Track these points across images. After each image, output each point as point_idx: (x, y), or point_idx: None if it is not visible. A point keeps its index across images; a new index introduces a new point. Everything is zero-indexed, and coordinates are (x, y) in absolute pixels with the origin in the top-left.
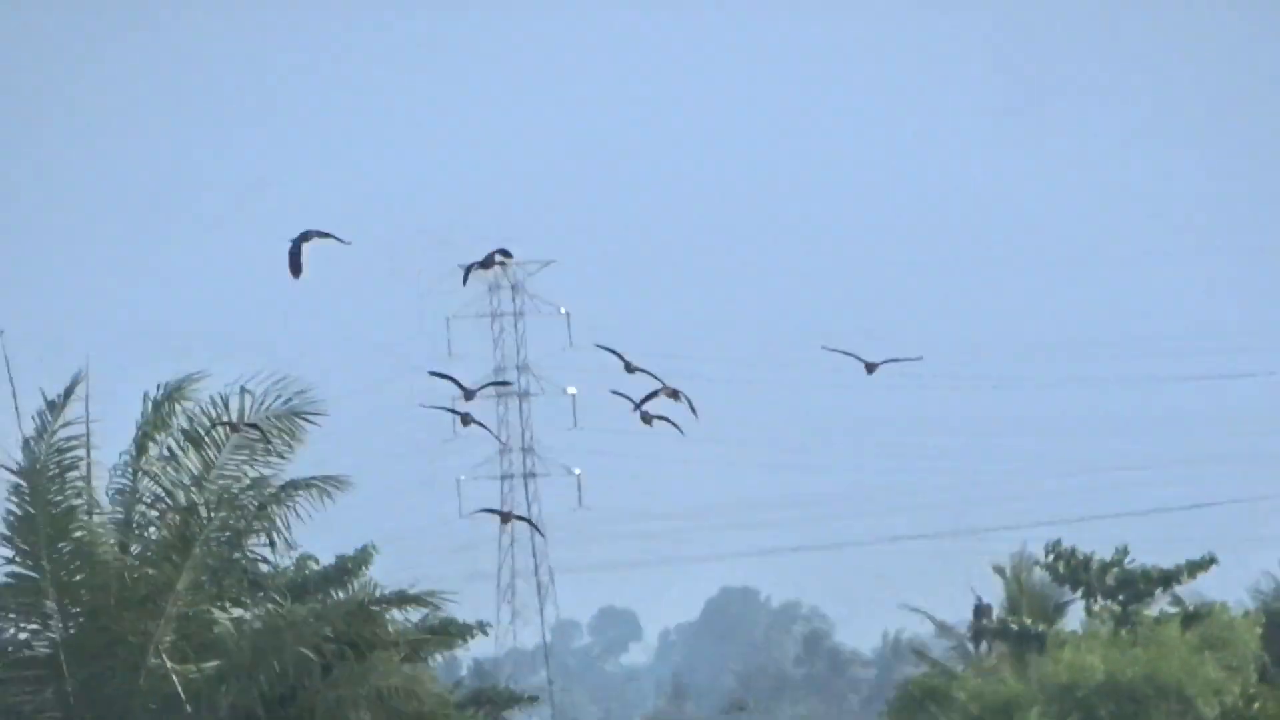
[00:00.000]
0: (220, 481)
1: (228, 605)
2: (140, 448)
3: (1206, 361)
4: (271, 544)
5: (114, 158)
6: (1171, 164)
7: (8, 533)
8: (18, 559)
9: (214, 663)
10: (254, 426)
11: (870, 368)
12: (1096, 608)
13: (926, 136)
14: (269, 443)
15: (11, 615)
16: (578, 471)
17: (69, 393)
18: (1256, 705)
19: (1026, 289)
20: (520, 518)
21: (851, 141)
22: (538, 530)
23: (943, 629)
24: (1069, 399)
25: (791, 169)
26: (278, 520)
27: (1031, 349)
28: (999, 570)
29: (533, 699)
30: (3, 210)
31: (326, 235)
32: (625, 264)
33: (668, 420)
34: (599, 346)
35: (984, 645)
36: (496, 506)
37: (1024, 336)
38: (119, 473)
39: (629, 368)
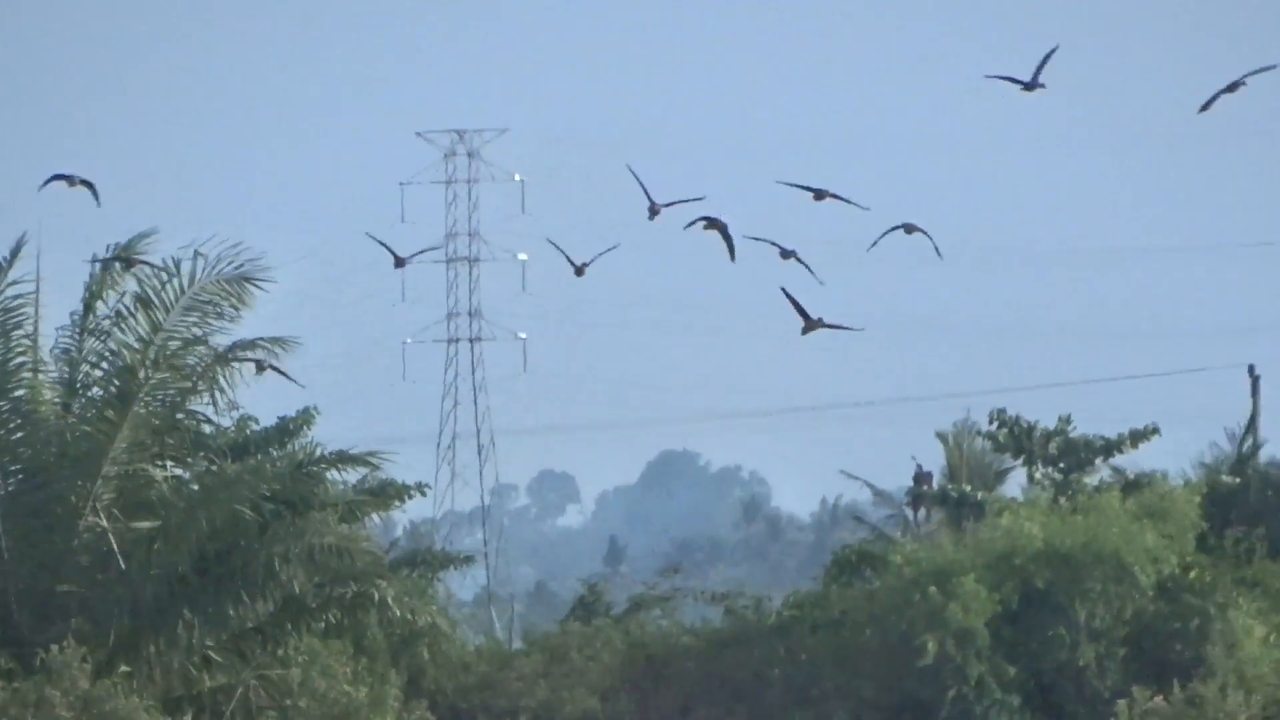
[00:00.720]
0: (168, 343)
1: (167, 465)
2: (87, 308)
3: (1155, 238)
4: (214, 404)
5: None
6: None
7: None
8: None
9: (150, 522)
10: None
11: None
12: (1037, 475)
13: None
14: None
15: None
16: (523, 336)
17: (15, 252)
18: (1193, 574)
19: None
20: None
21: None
22: (846, 326)
23: (881, 496)
24: (1015, 269)
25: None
26: (220, 380)
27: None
28: (941, 437)
29: (468, 560)
30: None
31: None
32: (580, 133)
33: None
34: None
35: (922, 512)
36: (453, 370)
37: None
38: (65, 333)
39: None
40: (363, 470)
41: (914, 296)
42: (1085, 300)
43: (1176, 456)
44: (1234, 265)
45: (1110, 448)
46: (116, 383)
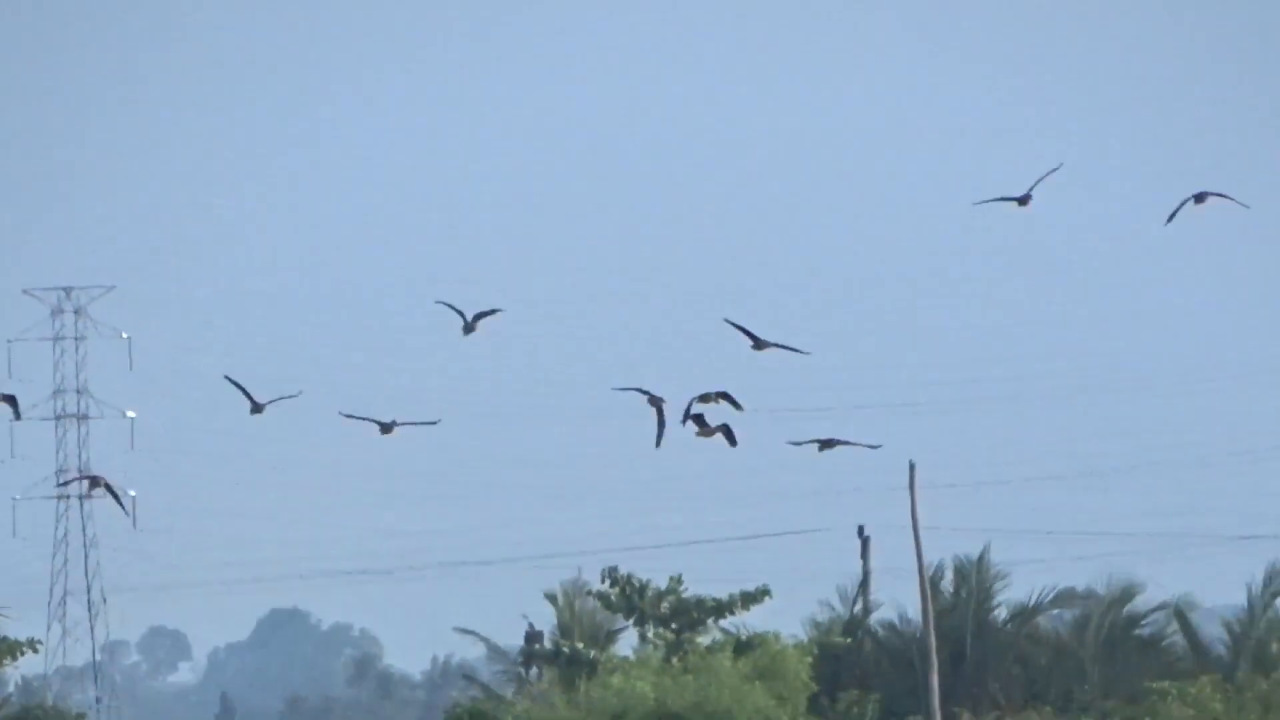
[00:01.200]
0: None
1: None
2: None
3: (769, 399)
4: None
5: None
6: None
7: None
8: None
9: None
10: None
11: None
12: (650, 635)
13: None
14: None
15: None
16: (133, 494)
17: None
18: None
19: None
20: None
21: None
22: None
23: (495, 653)
24: (628, 430)
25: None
26: None
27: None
28: (551, 597)
29: (80, 717)
30: None
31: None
32: (189, 289)
33: None
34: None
35: (534, 670)
36: (63, 527)
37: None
38: None
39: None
40: None
41: (531, 449)
42: (699, 459)
43: (788, 616)
44: (850, 426)
45: (722, 609)
46: None
